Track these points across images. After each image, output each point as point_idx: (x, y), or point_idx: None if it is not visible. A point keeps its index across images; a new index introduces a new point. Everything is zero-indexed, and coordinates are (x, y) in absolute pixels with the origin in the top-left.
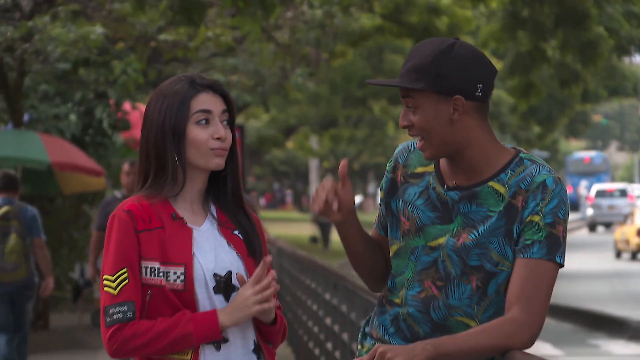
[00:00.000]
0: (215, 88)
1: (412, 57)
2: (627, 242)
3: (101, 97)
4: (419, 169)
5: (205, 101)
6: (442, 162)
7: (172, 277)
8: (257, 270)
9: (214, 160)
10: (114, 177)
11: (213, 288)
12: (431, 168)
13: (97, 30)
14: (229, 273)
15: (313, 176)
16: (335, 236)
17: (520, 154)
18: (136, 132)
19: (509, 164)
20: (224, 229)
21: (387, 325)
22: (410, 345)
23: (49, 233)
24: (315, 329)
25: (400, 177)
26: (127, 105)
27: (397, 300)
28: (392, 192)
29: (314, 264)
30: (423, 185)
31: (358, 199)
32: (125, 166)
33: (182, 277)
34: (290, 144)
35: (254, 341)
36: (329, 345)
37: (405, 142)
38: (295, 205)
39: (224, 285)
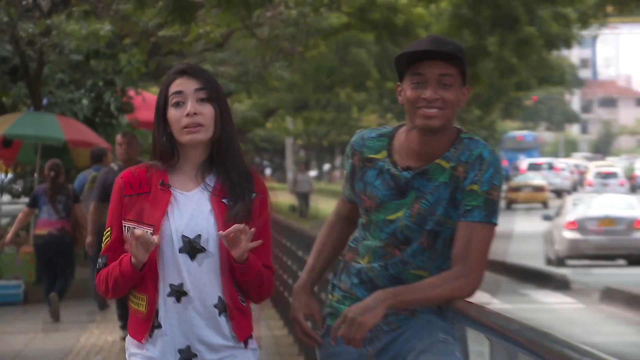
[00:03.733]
0: (189, 72)
1: (446, 44)
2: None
3: (109, 84)
4: (372, 155)
5: (179, 84)
6: (395, 147)
7: None
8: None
9: (186, 137)
10: None
11: (179, 248)
12: (383, 155)
13: (106, 27)
14: (199, 236)
15: (289, 151)
16: (313, 203)
17: (461, 134)
18: (139, 114)
19: (453, 143)
20: (214, 196)
21: (353, 278)
22: (371, 297)
23: None
24: (290, 281)
25: (358, 162)
26: (131, 92)
27: (363, 262)
28: (354, 175)
29: (290, 227)
30: (378, 168)
31: (326, 167)
32: (118, 137)
33: None
34: (269, 124)
35: (219, 297)
36: None
37: (360, 131)
38: (274, 177)
39: (190, 246)
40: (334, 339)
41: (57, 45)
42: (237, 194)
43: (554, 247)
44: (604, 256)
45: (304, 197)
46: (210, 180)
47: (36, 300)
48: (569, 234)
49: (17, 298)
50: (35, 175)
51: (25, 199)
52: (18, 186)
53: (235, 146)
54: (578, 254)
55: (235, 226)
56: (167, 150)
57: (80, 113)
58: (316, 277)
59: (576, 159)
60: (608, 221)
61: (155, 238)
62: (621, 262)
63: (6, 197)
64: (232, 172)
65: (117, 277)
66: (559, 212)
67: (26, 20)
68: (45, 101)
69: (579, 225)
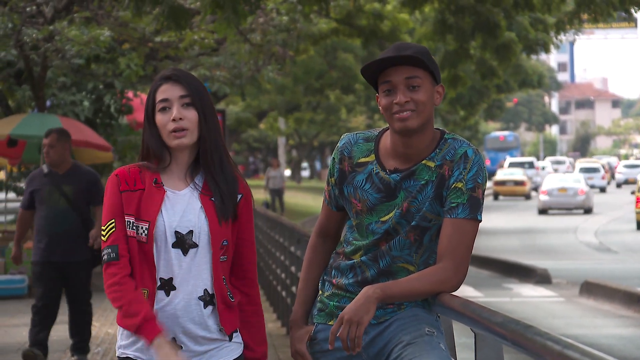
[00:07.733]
0: (173, 78)
1: (407, 48)
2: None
3: (109, 87)
4: (362, 160)
5: (165, 91)
6: (382, 151)
7: (140, 230)
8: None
9: (173, 142)
10: (119, 152)
11: (172, 243)
12: (372, 158)
13: (105, 33)
14: (190, 232)
15: (281, 151)
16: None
17: (445, 135)
18: (137, 116)
19: (438, 144)
20: (203, 195)
21: (345, 272)
22: (361, 294)
23: None
24: (283, 275)
25: (347, 167)
26: (130, 94)
27: (354, 257)
28: (342, 179)
29: (282, 223)
30: (367, 172)
31: (317, 167)
32: (44, 140)
33: (146, 232)
34: (262, 125)
35: (205, 290)
36: (293, 289)
37: (346, 135)
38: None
39: (183, 242)
40: (331, 343)
41: (60, 50)
42: (223, 195)
43: (538, 204)
44: (564, 209)
45: (277, 194)
46: (199, 180)
47: None
48: (543, 197)
49: (21, 292)
50: None
51: None
52: (22, 184)
53: (220, 148)
54: (548, 207)
55: None
56: (160, 153)
57: (81, 114)
58: (309, 308)
59: (557, 157)
60: (563, 190)
61: None
62: (579, 211)
63: (11, 195)
64: (217, 175)
65: (133, 323)
66: (540, 185)
67: (30, 26)
68: (48, 103)
69: (548, 192)
